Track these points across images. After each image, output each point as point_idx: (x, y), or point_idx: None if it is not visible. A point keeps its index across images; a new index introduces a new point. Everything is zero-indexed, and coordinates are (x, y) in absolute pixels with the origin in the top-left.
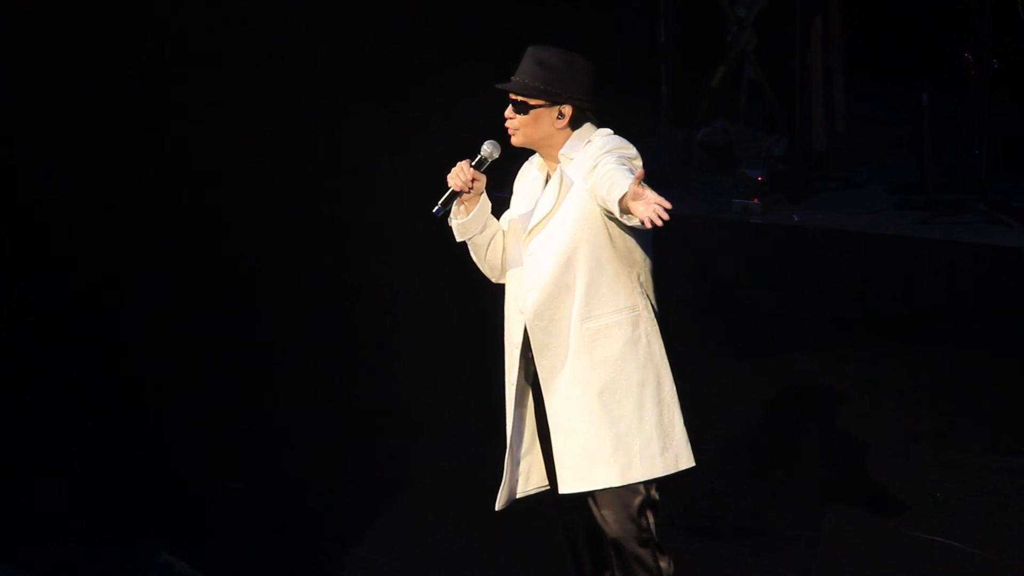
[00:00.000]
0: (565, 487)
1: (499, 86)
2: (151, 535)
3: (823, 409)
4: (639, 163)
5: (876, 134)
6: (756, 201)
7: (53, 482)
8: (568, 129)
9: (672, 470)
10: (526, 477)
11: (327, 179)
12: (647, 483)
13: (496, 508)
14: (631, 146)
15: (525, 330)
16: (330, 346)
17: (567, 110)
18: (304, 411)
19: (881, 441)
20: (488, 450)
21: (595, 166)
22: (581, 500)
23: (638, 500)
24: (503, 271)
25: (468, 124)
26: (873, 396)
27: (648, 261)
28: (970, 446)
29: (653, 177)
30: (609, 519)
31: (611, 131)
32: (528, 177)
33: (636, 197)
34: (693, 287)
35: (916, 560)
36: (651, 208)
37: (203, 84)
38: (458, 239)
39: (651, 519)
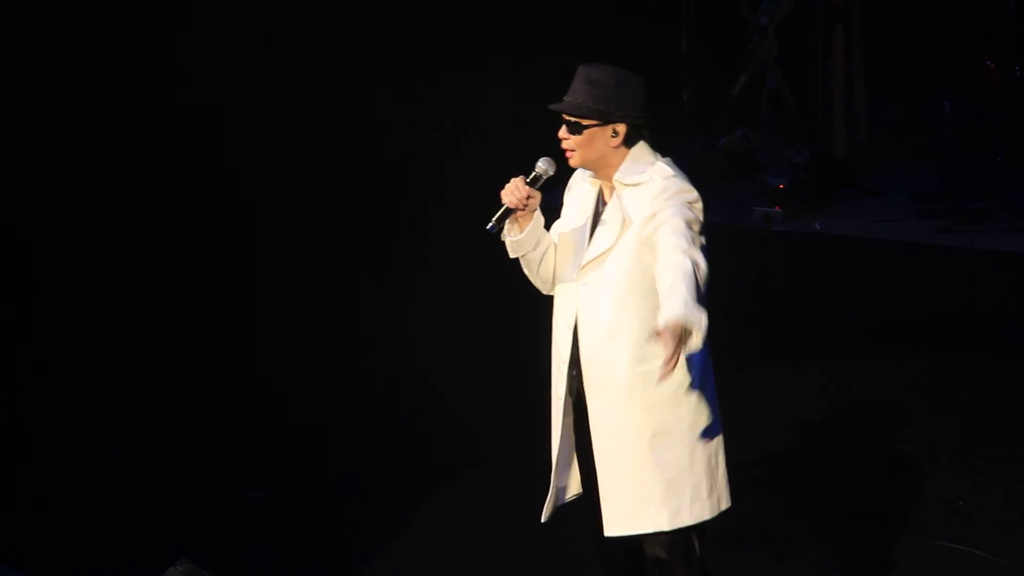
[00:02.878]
0: (612, 530)
1: (552, 107)
2: (172, 543)
3: (844, 416)
4: (700, 207)
5: (898, 142)
6: (778, 209)
7: (73, 489)
8: (623, 148)
9: (716, 512)
10: (567, 487)
11: (354, 178)
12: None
13: (542, 519)
14: (692, 188)
15: (573, 346)
16: (350, 350)
17: (621, 128)
18: (324, 417)
19: (903, 449)
20: (511, 457)
21: (655, 217)
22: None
23: (687, 539)
24: (553, 284)
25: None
26: (895, 404)
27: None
28: (992, 454)
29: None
30: (659, 555)
31: (669, 160)
32: (580, 190)
33: (661, 342)
34: (713, 295)
35: (938, 568)
36: (662, 368)
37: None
38: (511, 255)
39: (698, 551)
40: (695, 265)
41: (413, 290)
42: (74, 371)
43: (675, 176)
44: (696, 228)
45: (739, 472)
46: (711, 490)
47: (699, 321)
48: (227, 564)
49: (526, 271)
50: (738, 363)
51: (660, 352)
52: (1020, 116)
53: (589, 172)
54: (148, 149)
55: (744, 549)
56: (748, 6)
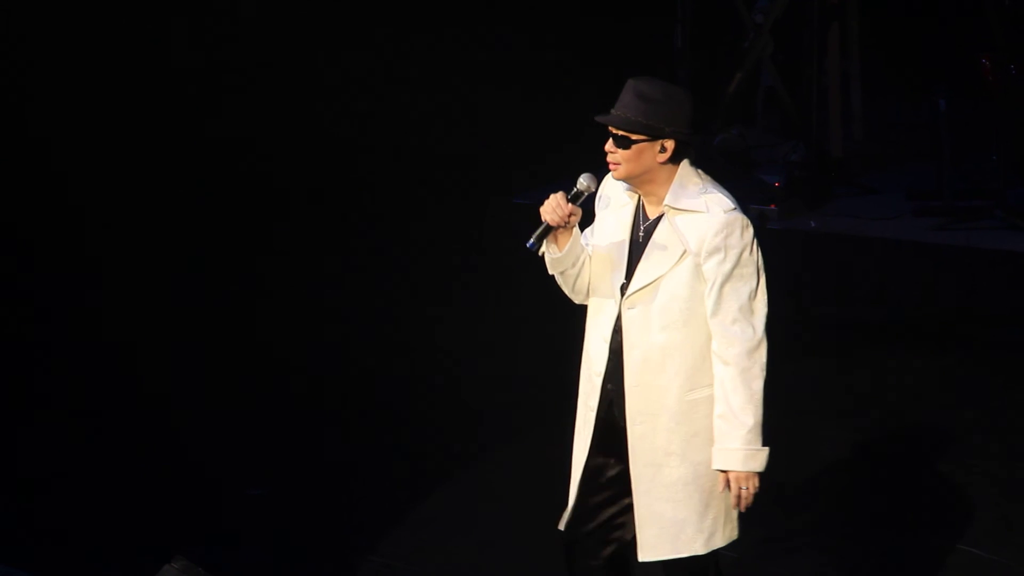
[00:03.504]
0: (648, 554)
1: (600, 119)
2: (169, 540)
3: (840, 415)
4: (754, 243)
5: (893, 140)
6: (773, 207)
7: (70, 486)
8: (669, 164)
9: (737, 534)
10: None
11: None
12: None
13: (561, 527)
14: (748, 222)
15: (609, 360)
16: (350, 348)
17: (669, 144)
18: (323, 415)
19: (899, 446)
20: (511, 455)
21: (716, 258)
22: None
23: (710, 562)
24: (588, 295)
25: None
26: (890, 402)
27: None
28: (989, 451)
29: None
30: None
31: (719, 187)
32: (617, 201)
33: (725, 485)
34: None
35: (936, 567)
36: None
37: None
38: (550, 271)
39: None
40: (755, 346)
41: (413, 288)
42: (73, 367)
43: (735, 210)
44: (755, 277)
45: None
46: (730, 510)
47: (760, 463)
48: (224, 562)
49: (562, 285)
50: None
51: (709, 380)
52: (1015, 114)
53: (624, 184)
54: (144, 143)
55: (741, 549)
56: (744, 4)
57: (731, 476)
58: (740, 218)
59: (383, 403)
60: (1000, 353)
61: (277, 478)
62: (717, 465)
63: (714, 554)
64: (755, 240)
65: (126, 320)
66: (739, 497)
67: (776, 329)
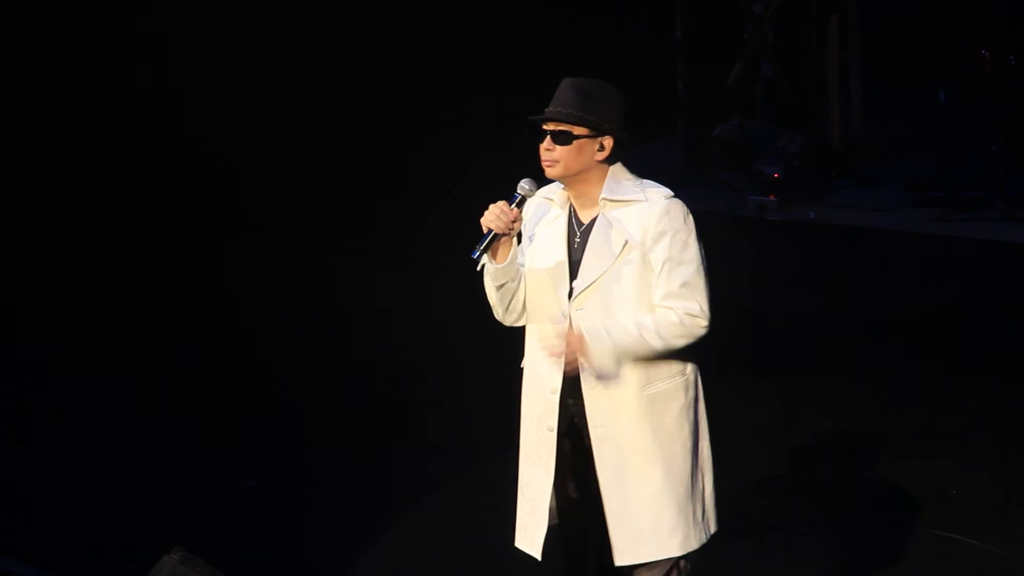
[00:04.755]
0: (623, 558)
1: (541, 115)
2: (168, 532)
3: (837, 405)
4: (695, 229)
5: (893, 131)
6: (772, 198)
7: (65, 479)
8: (604, 164)
9: (709, 535)
10: (547, 519)
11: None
12: None
13: (539, 557)
14: (686, 208)
15: (566, 376)
16: (346, 343)
17: (608, 142)
18: (319, 407)
19: (896, 438)
20: (511, 448)
21: (662, 241)
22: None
23: (682, 564)
24: (522, 315)
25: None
26: (888, 393)
27: None
28: (986, 443)
29: (670, 174)
30: (653, 570)
31: (655, 183)
32: (544, 214)
33: (563, 336)
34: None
35: (932, 557)
36: (550, 347)
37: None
38: (494, 283)
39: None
40: (685, 319)
41: (410, 284)
42: (64, 365)
43: (675, 197)
44: (699, 263)
45: (733, 462)
46: (705, 512)
47: (605, 367)
48: (223, 553)
49: (496, 303)
50: (732, 352)
51: (667, 374)
52: (1014, 105)
53: (555, 195)
54: (130, 139)
55: (736, 537)
56: None
57: (576, 338)
58: (681, 204)
59: (383, 395)
60: (998, 343)
61: (274, 470)
62: (583, 331)
63: (682, 558)
64: (695, 230)
65: (113, 315)
66: (554, 348)
67: (774, 319)
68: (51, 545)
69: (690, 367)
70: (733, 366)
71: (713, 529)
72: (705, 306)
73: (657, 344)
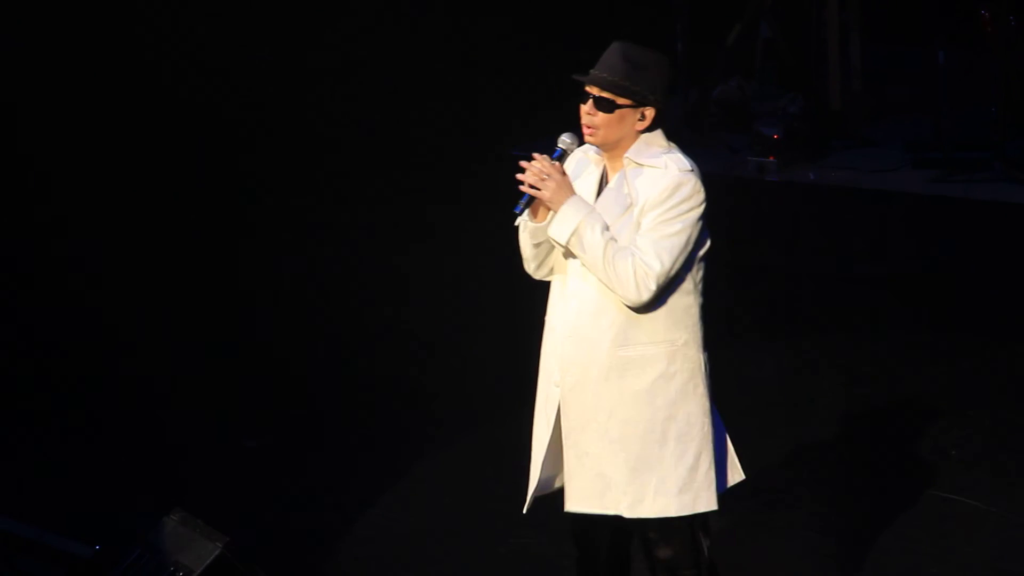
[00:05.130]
0: (572, 505)
1: (584, 78)
2: (164, 494)
3: (837, 367)
4: (700, 210)
5: (892, 92)
6: (772, 159)
7: (65, 441)
8: (644, 133)
9: (687, 511)
10: (554, 477)
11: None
12: (697, 516)
13: (524, 510)
14: (702, 189)
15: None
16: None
17: (649, 113)
18: (318, 373)
19: (896, 399)
20: (510, 418)
21: (659, 209)
22: (623, 524)
23: (693, 540)
24: (551, 271)
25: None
26: (888, 354)
27: (699, 295)
28: (986, 404)
29: (669, 135)
30: (664, 555)
31: (686, 155)
32: (585, 171)
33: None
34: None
35: (933, 518)
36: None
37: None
38: (531, 242)
39: (706, 552)
40: (639, 267)
41: (411, 268)
42: (59, 332)
43: (691, 172)
44: (682, 238)
45: (732, 423)
46: (683, 488)
47: (559, 225)
48: (223, 515)
49: (530, 257)
50: (729, 313)
51: (645, 339)
52: (1014, 66)
53: (588, 148)
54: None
55: (736, 499)
56: None
57: (560, 180)
58: (694, 181)
59: (383, 375)
60: (997, 306)
61: (275, 432)
62: (571, 187)
63: (694, 535)
64: (701, 212)
65: (115, 295)
66: (530, 170)
67: (773, 281)
68: (51, 507)
69: (683, 337)
70: (730, 325)
71: (700, 508)
72: (661, 273)
73: (604, 264)
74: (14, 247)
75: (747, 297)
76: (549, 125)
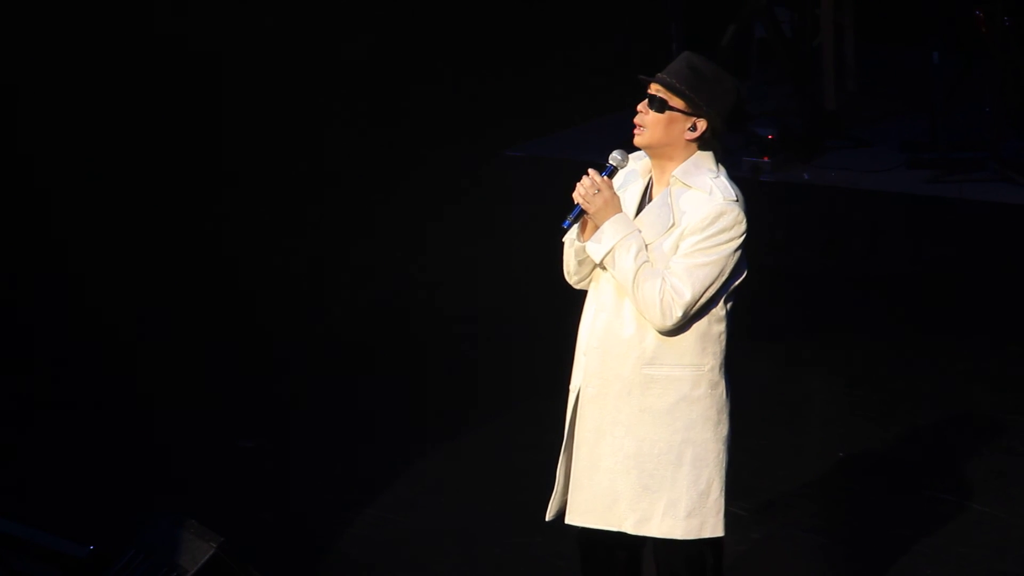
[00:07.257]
0: (575, 518)
1: (643, 76)
2: (159, 494)
3: (831, 367)
4: (739, 241)
5: (887, 92)
6: (766, 159)
7: (59, 442)
8: (693, 146)
9: (692, 536)
10: (560, 479)
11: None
12: (710, 542)
13: (547, 518)
14: (742, 220)
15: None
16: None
17: (701, 124)
18: (317, 371)
19: (891, 398)
20: (509, 414)
21: (696, 236)
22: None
23: (703, 560)
24: (589, 280)
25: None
26: (882, 354)
27: (730, 323)
28: (982, 404)
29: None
30: (674, 565)
31: (733, 183)
32: (632, 185)
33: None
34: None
35: (928, 519)
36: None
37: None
38: (576, 257)
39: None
40: (667, 292)
41: (410, 268)
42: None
43: (736, 202)
44: (717, 269)
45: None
46: (691, 513)
47: (599, 241)
48: (219, 515)
49: (572, 271)
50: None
51: (671, 360)
52: (1009, 66)
53: (642, 164)
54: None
55: (730, 500)
56: None
57: (609, 195)
58: (736, 211)
59: (384, 363)
60: (993, 305)
61: (270, 432)
62: (618, 204)
63: (706, 556)
64: (739, 243)
65: (111, 289)
66: (581, 184)
67: (767, 281)
68: (45, 506)
69: (710, 363)
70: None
71: (707, 534)
72: (689, 302)
73: (633, 288)
74: (14, 247)
75: (741, 297)
76: (551, 125)
